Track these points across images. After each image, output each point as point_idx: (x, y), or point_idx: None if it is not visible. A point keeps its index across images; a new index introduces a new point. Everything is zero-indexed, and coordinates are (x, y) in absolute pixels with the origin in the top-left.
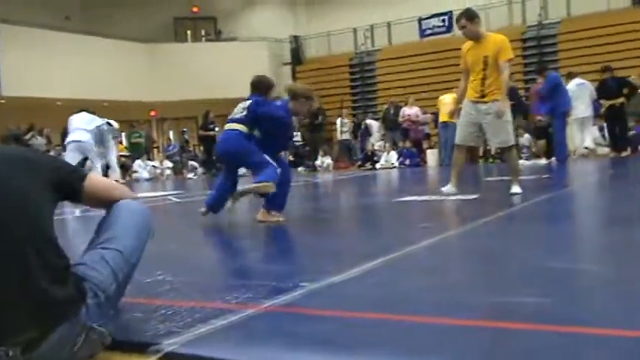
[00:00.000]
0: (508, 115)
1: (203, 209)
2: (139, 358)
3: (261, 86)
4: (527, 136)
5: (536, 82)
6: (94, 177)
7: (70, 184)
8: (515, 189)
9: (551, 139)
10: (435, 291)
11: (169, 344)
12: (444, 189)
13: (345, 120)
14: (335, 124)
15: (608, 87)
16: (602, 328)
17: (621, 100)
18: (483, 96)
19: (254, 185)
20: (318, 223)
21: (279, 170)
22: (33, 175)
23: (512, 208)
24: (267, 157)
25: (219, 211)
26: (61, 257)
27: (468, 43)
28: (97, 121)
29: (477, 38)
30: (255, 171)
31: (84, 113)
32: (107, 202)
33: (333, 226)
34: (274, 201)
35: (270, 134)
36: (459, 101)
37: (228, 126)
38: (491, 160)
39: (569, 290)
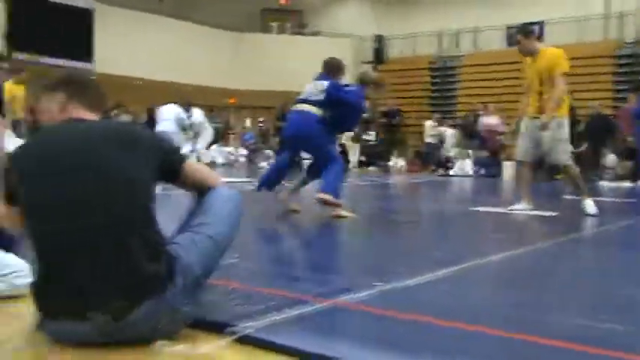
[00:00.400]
0: (563, 133)
1: (281, 194)
2: (216, 338)
3: (334, 69)
4: (612, 156)
5: (627, 100)
6: (192, 162)
7: (170, 165)
8: (589, 208)
9: (638, 161)
10: (506, 306)
11: (245, 327)
12: (517, 206)
13: (435, 123)
14: (420, 125)
15: None
16: None
17: None
18: (541, 112)
19: (317, 197)
20: (390, 225)
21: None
22: (133, 151)
23: (589, 230)
24: (335, 150)
25: (274, 189)
26: (160, 236)
27: (527, 60)
28: (181, 113)
29: (531, 54)
30: (322, 162)
31: (171, 105)
32: (200, 188)
33: (406, 228)
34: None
35: (341, 118)
36: (519, 117)
37: (300, 107)
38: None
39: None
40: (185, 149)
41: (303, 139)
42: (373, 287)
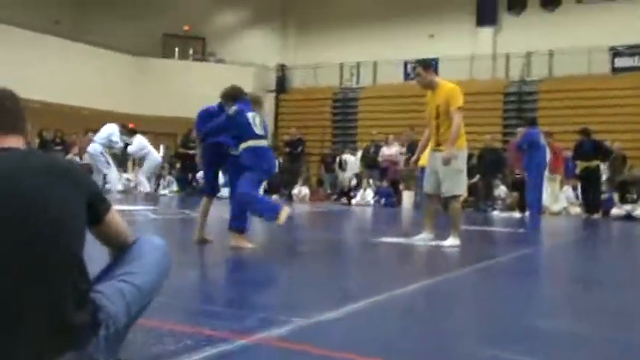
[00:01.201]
0: (459, 165)
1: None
2: None
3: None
4: (502, 187)
5: (515, 135)
6: (115, 212)
7: (96, 209)
8: (452, 241)
9: (525, 192)
10: (418, 337)
11: None
12: (418, 237)
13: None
14: (322, 154)
15: (585, 149)
16: None
17: (596, 162)
18: (439, 144)
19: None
20: (301, 256)
21: None
22: (72, 187)
23: (490, 260)
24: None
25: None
26: (87, 281)
27: (428, 93)
28: (113, 135)
29: (431, 87)
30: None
31: (111, 124)
32: (117, 243)
33: (315, 260)
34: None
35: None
36: (420, 149)
37: (265, 143)
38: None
39: (546, 349)
40: (107, 172)
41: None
42: (289, 322)
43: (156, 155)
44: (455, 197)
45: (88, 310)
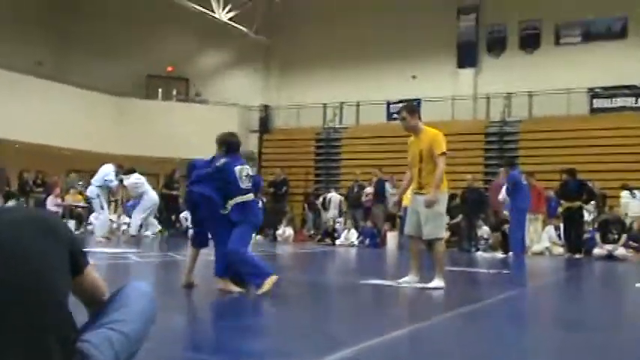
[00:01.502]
0: (440, 208)
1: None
2: None
3: (236, 146)
4: (485, 228)
5: (497, 175)
6: (93, 268)
7: (76, 261)
8: (436, 283)
9: (507, 232)
10: None
11: None
12: (404, 280)
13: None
14: (306, 194)
15: (569, 189)
16: None
17: (579, 203)
18: (421, 187)
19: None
20: (287, 300)
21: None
22: (53, 241)
23: (475, 303)
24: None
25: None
26: (74, 330)
27: (410, 138)
28: (109, 175)
29: (415, 132)
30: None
31: (107, 165)
32: (93, 299)
33: (300, 303)
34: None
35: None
36: (402, 191)
37: (251, 196)
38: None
39: None
40: (105, 213)
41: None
42: None
43: (153, 194)
44: (437, 240)
45: None
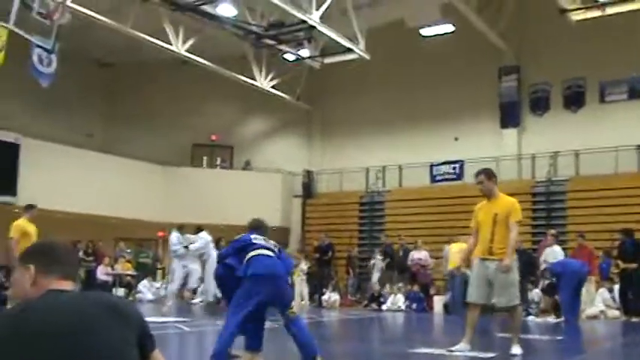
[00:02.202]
0: (515, 275)
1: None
2: None
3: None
4: (536, 291)
5: (547, 236)
6: (159, 353)
7: (144, 344)
8: (516, 350)
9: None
10: None
11: None
12: (456, 347)
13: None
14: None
15: (626, 249)
16: None
17: (636, 264)
18: (491, 253)
19: None
20: None
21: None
22: (126, 323)
23: None
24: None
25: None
26: None
27: (481, 203)
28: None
29: (490, 196)
30: None
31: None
32: None
33: None
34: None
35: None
36: (466, 257)
37: (267, 252)
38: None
39: None
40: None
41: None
42: None
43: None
44: (515, 307)
45: None
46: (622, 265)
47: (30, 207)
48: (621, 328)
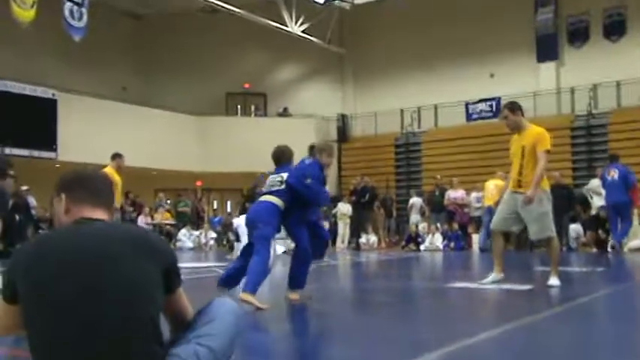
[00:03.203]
0: (546, 207)
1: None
2: None
3: (280, 157)
4: (573, 225)
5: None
6: (183, 291)
7: (170, 279)
8: (553, 281)
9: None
10: None
11: None
12: (487, 279)
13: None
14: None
15: None
16: None
17: None
18: (520, 186)
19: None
20: (370, 307)
21: (270, 259)
22: (152, 259)
23: (568, 303)
24: (270, 238)
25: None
26: (162, 345)
27: (514, 136)
28: None
29: (517, 129)
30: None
31: None
32: (181, 318)
33: (386, 310)
34: (293, 282)
35: (307, 198)
36: (503, 192)
37: (262, 198)
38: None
39: None
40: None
41: (251, 225)
42: None
43: None
44: (550, 238)
45: None
46: None
47: (116, 156)
48: None
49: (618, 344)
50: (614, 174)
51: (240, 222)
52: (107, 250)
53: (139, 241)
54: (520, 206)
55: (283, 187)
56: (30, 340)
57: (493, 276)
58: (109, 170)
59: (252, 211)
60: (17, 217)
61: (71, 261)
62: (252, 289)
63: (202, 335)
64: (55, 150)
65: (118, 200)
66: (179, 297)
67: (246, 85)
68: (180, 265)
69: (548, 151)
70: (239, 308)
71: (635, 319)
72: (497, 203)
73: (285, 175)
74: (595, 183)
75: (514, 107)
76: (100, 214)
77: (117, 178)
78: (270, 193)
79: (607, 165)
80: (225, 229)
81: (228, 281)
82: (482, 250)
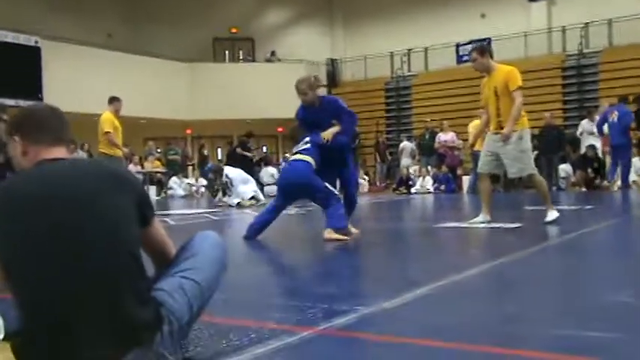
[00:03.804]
0: (525, 145)
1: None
2: None
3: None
4: (563, 166)
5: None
6: (158, 222)
7: (143, 212)
8: (551, 216)
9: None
10: (489, 321)
11: None
12: (475, 220)
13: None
14: (377, 145)
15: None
16: None
17: None
18: (501, 127)
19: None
20: (362, 247)
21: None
22: (124, 192)
23: (557, 238)
24: (329, 187)
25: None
26: (146, 280)
27: (484, 79)
28: None
29: (487, 71)
30: (321, 202)
31: None
32: (160, 250)
33: (376, 250)
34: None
35: (337, 149)
36: (479, 133)
37: (293, 157)
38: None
39: (631, 326)
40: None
41: (296, 188)
42: (353, 312)
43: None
44: (533, 175)
45: (150, 308)
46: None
47: (113, 99)
48: None
49: (605, 275)
50: (614, 116)
51: (229, 171)
52: (79, 188)
53: (107, 176)
54: (498, 148)
55: (308, 146)
56: (11, 285)
57: (481, 217)
58: (107, 115)
59: (287, 174)
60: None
61: (42, 204)
62: (342, 224)
63: (186, 269)
64: (40, 99)
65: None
66: (156, 228)
67: (234, 30)
68: (172, 212)
69: (520, 88)
70: (223, 241)
71: (621, 252)
72: (472, 145)
73: (308, 138)
74: (585, 124)
75: (482, 49)
76: (60, 153)
77: (116, 123)
78: (299, 152)
79: (610, 106)
80: (216, 176)
81: (254, 233)
82: (471, 192)
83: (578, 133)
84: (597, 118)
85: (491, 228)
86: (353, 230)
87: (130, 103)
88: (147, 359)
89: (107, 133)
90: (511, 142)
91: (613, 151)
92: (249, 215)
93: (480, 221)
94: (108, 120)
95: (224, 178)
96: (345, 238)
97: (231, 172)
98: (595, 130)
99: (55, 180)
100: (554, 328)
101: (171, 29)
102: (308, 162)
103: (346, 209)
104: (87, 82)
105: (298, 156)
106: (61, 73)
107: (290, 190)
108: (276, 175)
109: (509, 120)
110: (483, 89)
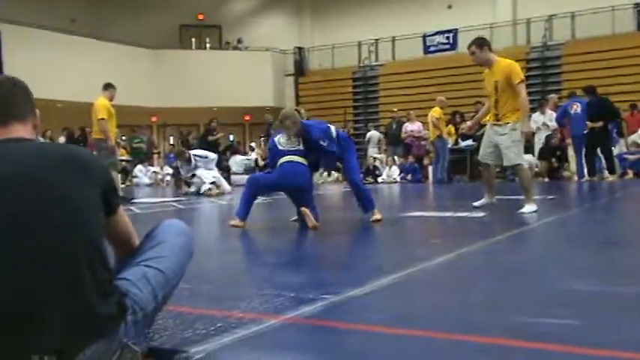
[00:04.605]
0: (515, 136)
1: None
2: None
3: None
4: (527, 156)
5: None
6: (124, 212)
7: (109, 200)
8: (528, 208)
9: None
10: (454, 309)
11: (195, 352)
12: (478, 202)
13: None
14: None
15: (591, 108)
16: (632, 352)
17: (600, 123)
18: (498, 119)
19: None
20: (328, 236)
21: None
22: (90, 178)
23: (523, 227)
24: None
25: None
26: (108, 270)
27: (485, 71)
28: None
29: (486, 64)
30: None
31: None
32: (124, 239)
33: (343, 238)
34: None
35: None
36: (476, 120)
37: (290, 158)
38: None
39: (592, 312)
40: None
41: (299, 188)
42: (319, 300)
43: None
44: (519, 166)
45: (114, 298)
46: (590, 124)
47: (108, 86)
48: (609, 188)
49: (567, 263)
50: (576, 107)
51: (195, 152)
52: (41, 173)
53: (72, 161)
54: (496, 139)
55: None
56: None
57: (485, 199)
58: (102, 101)
59: (295, 175)
60: None
61: (3, 186)
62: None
63: (150, 258)
64: None
65: (113, 132)
66: (121, 217)
67: (200, 17)
68: (137, 200)
69: (522, 81)
70: (188, 229)
71: (583, 240)
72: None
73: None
74: (536, 117)
75: (482, 43)
76: (19, 131)
77: (112, 110)
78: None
79: (569, 99)
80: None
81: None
82: (437, 182)
83: (534, 128)
84: (549, 111)
85: (458, 217)
86: (377, 216)
87: (93, 89)
88: (111, 350)
89: (102, 119)
90: (505, 131)
91: (577, 142)
92: (215, 204)
93: (482, 204)
94: (103, 106)
95: (192, 160)
96: (241, 224)
97: (198, 152)
98: (549, 123)
99: (15, 165)
100: (517, 315)
101: (137, 15)
102: (306, 165)
103: (358, 200)
104: (50, 67)
105: (295, 158)
106: (23, 59)
107: (291, 190)
108: (245, 163)
109: (522, 114)
110: (485, 81)
